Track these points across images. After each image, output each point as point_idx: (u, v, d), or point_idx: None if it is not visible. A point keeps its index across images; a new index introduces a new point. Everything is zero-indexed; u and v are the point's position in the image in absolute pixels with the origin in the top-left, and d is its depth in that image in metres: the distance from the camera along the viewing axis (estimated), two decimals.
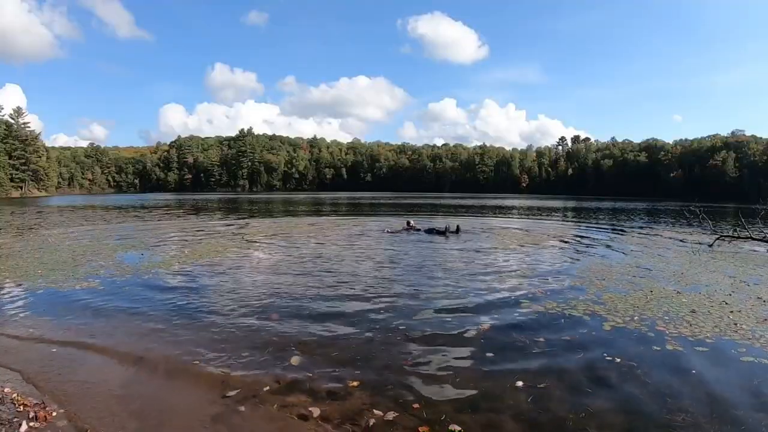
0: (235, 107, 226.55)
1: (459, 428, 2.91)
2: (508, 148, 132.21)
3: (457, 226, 14.38)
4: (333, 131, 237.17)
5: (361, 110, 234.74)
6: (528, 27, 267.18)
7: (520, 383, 3.54)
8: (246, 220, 20.19)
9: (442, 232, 13.76)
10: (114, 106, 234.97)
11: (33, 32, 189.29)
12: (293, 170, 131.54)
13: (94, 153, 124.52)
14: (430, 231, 14.18)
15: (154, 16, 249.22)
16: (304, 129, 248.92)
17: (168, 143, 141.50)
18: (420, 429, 2.90)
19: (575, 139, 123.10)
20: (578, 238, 14.28)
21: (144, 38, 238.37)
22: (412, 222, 14.99)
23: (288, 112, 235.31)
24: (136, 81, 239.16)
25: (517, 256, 10.04)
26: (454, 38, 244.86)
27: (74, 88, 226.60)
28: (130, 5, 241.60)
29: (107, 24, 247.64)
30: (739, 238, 12.49)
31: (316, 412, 3.10)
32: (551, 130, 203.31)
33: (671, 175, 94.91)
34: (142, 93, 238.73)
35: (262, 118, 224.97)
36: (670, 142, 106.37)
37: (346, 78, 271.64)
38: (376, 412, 3.10)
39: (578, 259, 9.82)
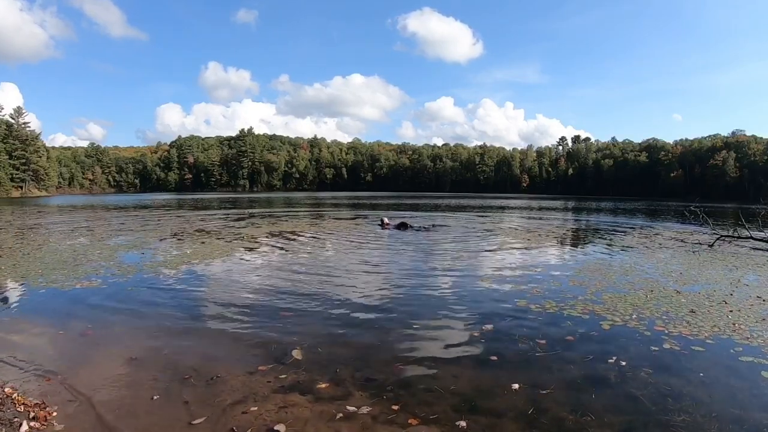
0: (233, 107, 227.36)
1: (464, 424, 2.93)
2: (507, 147, 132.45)
3: (432, 225, 15.62)
4: (330, 131, 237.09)
5: (357, 109, 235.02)
6: (525, 26, 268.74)
7: (519, 383, 3.54)
8: (247, 219, 20.19)
9: (409, 227, 14.72)
10: (111, 106, 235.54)
11: (27, 31, 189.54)
12: (293, 170, 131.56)
13: (95, 153, 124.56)
14: (402, 226, 14.94)
15: (146, 14, 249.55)
16: (301, 128, 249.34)
17: (168, 143, 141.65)
18: (416, 424, 2.90)
19: (576, 138, 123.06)
20: (578, 238, 14.29)
21: (138, 37, 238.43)
22: (386, 220, 15.79)
23: (284, 111, 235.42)
24: (132, 80, 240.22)
25: (517, 255, 10.04)
26: (445, 35, 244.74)
27: (71, 88, 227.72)
28: (120, 2, 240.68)
29: (99, 23, 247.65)
30: (739, 238, 12.48)
31: (316, 411, 3.11)
32: (550, 130, 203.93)
33: (671, 175, 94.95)
34: (138, 92, 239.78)
35: (259, 118, 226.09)
36: (671, 142, 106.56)
37: (341, 77, 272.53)
38: (376, 410, 3.11)
39: (578, 259, 9.83)
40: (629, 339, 4.55)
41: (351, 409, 3.14)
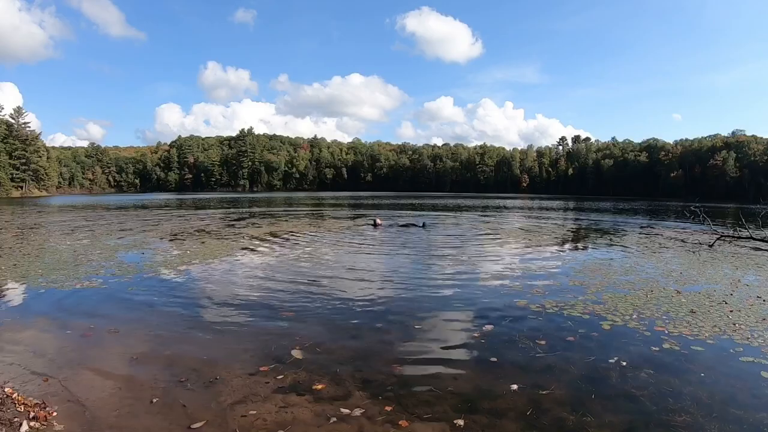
0: (232, 106, 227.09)
1: (462, 422, 2.94)
2: (507, 147, 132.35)
3: (423, 223, 16.56)
4: (329, 131, 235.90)
5: (356, 109, 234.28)
6: (524, 25, 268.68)
7: (519, 383, 3.54)
8: (247, 219, 20.19)
9: (407, 227, 15.62)
10: (110, 106, 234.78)
11: (26, 31, 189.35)
12: (294, 170, 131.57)
13: (95, 153, 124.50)
14: (405, 226, 15.81)
15: (145, 14, 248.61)
16: (301, 128, 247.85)
17: (168, 143, 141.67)
18: (415, 423, 2.90)
19: (576, 138, 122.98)
20: (578, 238, 14.29)
21: (137, 37, 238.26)
22: (378, 220, 16.61)
23: (283, 111, 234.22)
24: (131, 80, 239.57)
25: (517, 255, 10.04)
26: (444, 34, 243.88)
27: (70, 88, 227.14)
28: (119, 2, 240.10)
29: (98, 23, 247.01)
30: (739, 238, 12.49)
31: (316, 411, 3.11)
32: (550, 130, 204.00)
33: (671, 175, 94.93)
34: (138, 92, 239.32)
35: (259, 118, 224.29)
36: (671, 142, 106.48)
37: (339, 76, 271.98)
38: (375, 410, 3.11)
39: (578, 259, 9.83)
40: (630, 339, 4.55)
41: (351, 409, 3.14)
